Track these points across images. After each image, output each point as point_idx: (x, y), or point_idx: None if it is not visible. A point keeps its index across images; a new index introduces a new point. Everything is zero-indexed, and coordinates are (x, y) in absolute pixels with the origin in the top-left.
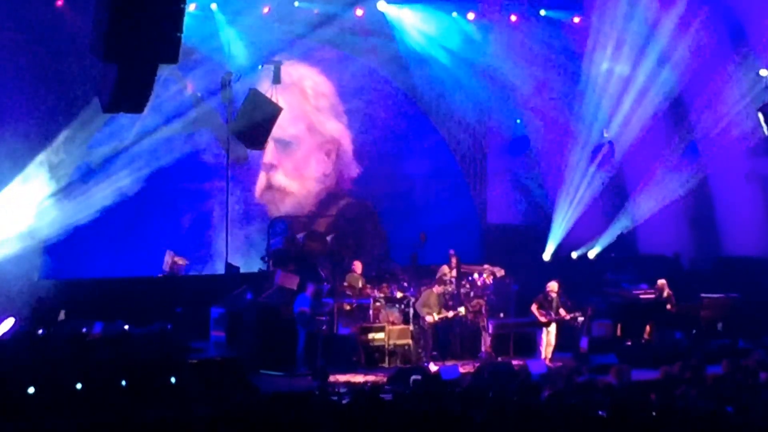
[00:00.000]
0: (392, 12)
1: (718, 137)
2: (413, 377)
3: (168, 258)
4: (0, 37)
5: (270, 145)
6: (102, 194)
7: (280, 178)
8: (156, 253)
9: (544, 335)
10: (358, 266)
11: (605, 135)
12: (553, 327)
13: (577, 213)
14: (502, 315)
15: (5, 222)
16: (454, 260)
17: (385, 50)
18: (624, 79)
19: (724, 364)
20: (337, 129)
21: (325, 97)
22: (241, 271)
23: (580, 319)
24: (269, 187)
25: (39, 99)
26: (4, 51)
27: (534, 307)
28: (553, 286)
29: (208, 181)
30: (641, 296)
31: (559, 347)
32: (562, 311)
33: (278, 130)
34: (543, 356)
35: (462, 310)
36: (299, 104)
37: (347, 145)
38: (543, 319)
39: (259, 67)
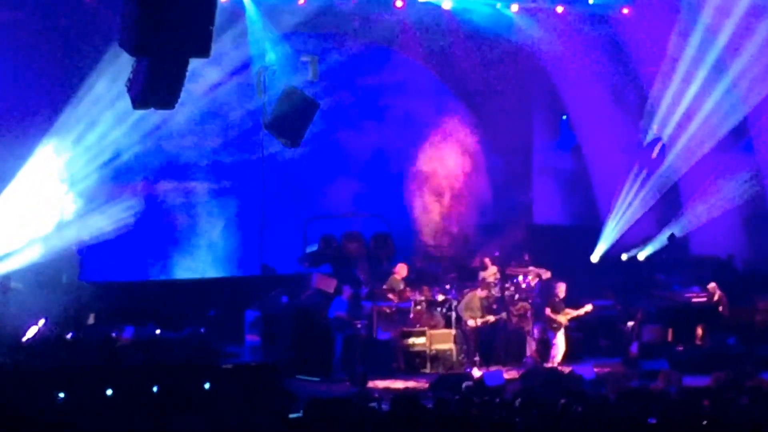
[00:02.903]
0: (433, 4)
1: None
2: (465, 383)
3: None
4: (27, 28)
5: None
6: (131, 194)
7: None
8: (187, 255)
9: (559, 340)
10: (402, 269)
11: (654, 131)
12: (562, 330)
13: (631, 214)
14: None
15: (32, 223)
16: (487, 262)
17: (428, 42)
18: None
19: None
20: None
21: None
22: (277, 272)
23: (630, 323)
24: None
25: (62, 91)
26: (31, 42)
27: (548, 311)
28: (561, 287)
29: (242, 180)
30: (693, 299)
31: (608, 352)
32: (570, 310)
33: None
34: (557, 361)
35: (504, 315)
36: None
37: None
38: (564, 320)
39: (302, 58)
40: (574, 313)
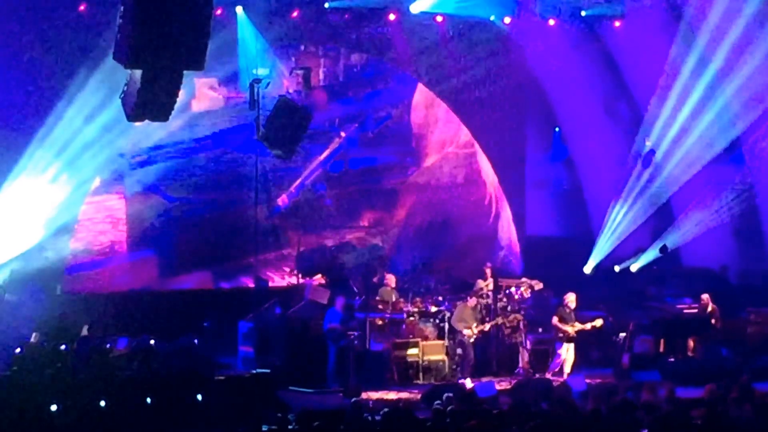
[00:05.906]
0: (427, 16)
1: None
2: (447, 395)
3: None
4: (25, 41)
5: None
6: (128, 203)
7: None
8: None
9: (564, 350)
10: (391, 279)
11: (647, 144)
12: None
13: (624, 226)
14: (540, 330)
15: (25, 234)
16: (488, 272)
17: (421, 55)
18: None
19: None
20: None
21: None
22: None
23: (622, 334)
24: None
25: (59, 104)
26: (30, 56)
27: (555, 320)
28: (570, 297)
29: (237, 190)
30: (685, 311)
31: (599, 363)
32: (578, 324)
33: None
34: (566, 372)
35: (499, 319)
36: None
37: None
38: (571, 331)
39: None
40: (583, 326)
